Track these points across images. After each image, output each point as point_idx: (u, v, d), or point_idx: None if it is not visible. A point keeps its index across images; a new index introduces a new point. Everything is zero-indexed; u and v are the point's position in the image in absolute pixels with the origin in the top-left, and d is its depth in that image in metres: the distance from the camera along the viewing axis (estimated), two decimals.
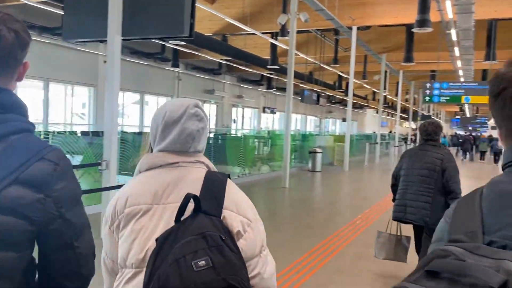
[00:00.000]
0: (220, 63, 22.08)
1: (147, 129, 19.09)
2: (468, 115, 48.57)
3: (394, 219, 4.05)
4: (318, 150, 14.22)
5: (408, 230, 4.27)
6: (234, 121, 29.08)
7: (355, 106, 53.68)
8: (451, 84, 13.50)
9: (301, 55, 18.35)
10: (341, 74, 24.58)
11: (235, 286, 1.01)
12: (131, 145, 9.40)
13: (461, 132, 37.02)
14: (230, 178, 1.23)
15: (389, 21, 13.93)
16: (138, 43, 17.13)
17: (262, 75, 25.98)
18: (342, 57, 19.32)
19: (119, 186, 5.67)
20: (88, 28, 5.53)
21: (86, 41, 9.20)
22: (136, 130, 18.57)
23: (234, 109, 28.66)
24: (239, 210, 1.16)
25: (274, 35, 15.33)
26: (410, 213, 3.83)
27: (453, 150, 29.01)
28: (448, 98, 13.46)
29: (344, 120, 54.76)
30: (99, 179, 6.26)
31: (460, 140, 24.82)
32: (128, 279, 1.11)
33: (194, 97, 24.10)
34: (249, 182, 10.92)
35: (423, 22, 10.87)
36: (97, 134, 11.40)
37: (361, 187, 12.04)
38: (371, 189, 11.53)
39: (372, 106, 53.21)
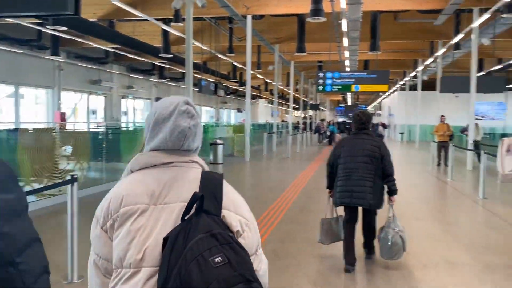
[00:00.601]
0: (106, 51, 20.44)
1: (24, 125, 16.99)
2: (350, 103, 52.49)
3: (340, 204, 4.23)
4: (219, 141, 13.85)
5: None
6: (125, 113, 27.42)
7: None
8: (342, 73, 14.10)
9: (197, 43, 17.78)
10: (236, 64, 24.50)
11: (251, 280, 1.03)
12: (6, 144, 8.17)
13: (342, 119, 40.28)
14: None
15: (282, 11, 14.03)
16: (10, 27, 15.05)
17: (154, 64, 24.80)
18: (236, 46, 19.15)
19: None
20: None
21: None
22: (12, 126, 16.36)
23: (124, 100, 27.00)
24: (237, 210, 1.18)
25: (166, 22, 14.51)
26: (356, 198, 4.09)
27: (340, 135, 30.93)
28: (340, 87, 14.03)
29: (239, 110, 55.45)
30: None
31: (347, 126, 26.95)
32: (125, 279, 1.09)
33: (78, 88, 22.20)
34: None
35: (317, 11, 11.05)
36: None
37: (265, 177, 11.99)
38: (275, 179, 11.51)
39: (264, 96, 54.57)
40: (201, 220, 1.07)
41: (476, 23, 12.37)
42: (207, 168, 1.24)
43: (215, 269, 0.99)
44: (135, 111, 29.18)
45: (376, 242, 4.43)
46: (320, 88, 14.21)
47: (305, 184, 9.90)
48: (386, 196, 4.23)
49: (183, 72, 23.75)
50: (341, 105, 51.86)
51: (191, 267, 0.99)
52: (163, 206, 1.12)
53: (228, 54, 17.94)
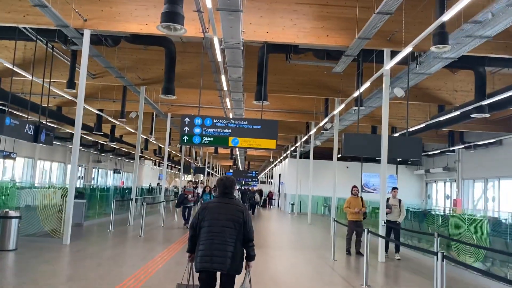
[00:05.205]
0: None
1: None
2: (241, 169, 49.62)
3: (201, 269, 4.05)
4: (12, 213, 8.69)
5: None
6: None
7: (129, 156, 48.64)
8: (216, 120, 10.10)
9: (25, 74, 12.83)
10: (98, 112, 19.57)
11: None
12: None
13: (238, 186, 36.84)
14: None
15: (135, 29, 9.95)
16: None
17: None
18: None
19: None
20: None
21: None
22: None
23: None
24: None
25: None
26: (217, 263, 3.97)
27: None
28: (211, 139, 9.99)
29: (116, 171, 48.99)
30: None
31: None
32: None
33: None
34: None
35: (171, 15, 7.14)
36: None
37: (63, 281, 6.91)
38: (81, 285, 6.44)
39: (147, 157, 49.10)
40: None
41: (389, 65, 9.45)
42: None
43: None
44: None
45: None
46: (185, 139, 10.02)
47: None
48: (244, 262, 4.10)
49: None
50: (230, 170, 48.44)
51: None
52: None
53: (66, 90, 13.09)
